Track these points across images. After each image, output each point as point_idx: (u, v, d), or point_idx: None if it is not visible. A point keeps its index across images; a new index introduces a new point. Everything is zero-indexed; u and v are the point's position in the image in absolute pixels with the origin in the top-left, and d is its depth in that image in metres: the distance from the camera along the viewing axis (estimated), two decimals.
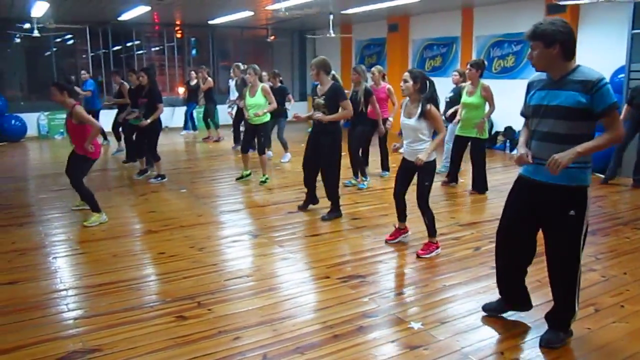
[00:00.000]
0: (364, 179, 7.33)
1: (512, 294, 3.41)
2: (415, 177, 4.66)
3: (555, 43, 2.82)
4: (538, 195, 3.03)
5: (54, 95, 5.42)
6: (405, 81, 4.48)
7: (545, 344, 3.12)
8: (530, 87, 3.13)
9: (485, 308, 3.53)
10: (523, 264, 3.27)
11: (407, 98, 4.62)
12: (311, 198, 6.13)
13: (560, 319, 3.16)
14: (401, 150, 4.79)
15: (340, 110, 5.64)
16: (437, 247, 4.71)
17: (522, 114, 3.24)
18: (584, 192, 2.96)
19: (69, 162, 5.70)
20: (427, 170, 4.56)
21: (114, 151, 10.30)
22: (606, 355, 3.01)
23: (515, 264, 3.29)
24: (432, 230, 4.70)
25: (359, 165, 7.37)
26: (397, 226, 5.02)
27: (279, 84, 9.46)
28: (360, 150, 7.54)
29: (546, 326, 3.21)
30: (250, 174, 7.82)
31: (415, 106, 4.52)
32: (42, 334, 3.27)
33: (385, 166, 8.09)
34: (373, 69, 7.82)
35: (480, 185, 6.98)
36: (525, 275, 3.32)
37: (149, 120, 7.42)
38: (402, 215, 4.94)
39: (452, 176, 7.41)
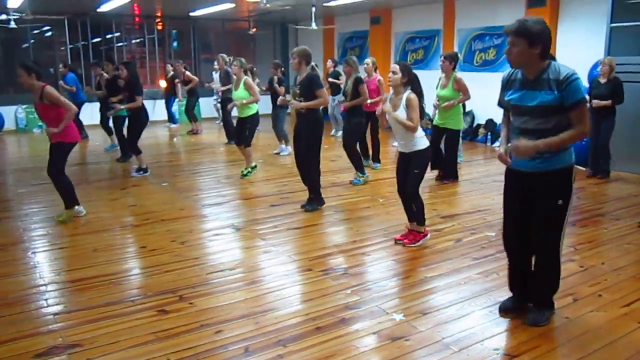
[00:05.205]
0: (360, 174, 7.06)
1: (526, 288, 3.37)
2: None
3: (539, 43, 2.84)
4: (525, 184, 3.11)
5: (21, 77, 5.15)
6: (394, 72, 4.47)
7: (532, 323, 3.22)
8: (506, 83, 3.15)
9: (501, 309, 3.42)
10: (530, 256, 3.29)
11: (391, 92, 4.63)
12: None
13: (543, 296, 3.27)
14: (394, 144, 4.76)
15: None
16: (425, 235, 4.72)
17: (500, 104, 3.27)
18: (567, 174, 3.02)
19: (50, 156, 5.40)
20: (417, 158, 4.55)
21: (107, 146, 9.91)
22: (584, 343, 3.05)
23: (526, 258, 3.30)
24: (421, 218, 4.69)
25: (357, 161, 7.09)
26: (409, 227, 4.81)
27: (280, 75, 9.31)
28: (358, 144, 7.41)
29: (523, 312, 3.33)
30: (256, 166, 7.73)
31: (400, 98, 4.52)
32: (21, 330, 3.23)
33: (376, 158, 7.98)
34: (367, 59, 7.89)
35: (451, 173, 7.10)
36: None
37: (125, 106, 7.49)
38: (412, 212, 4.76)
39: (445, 171, 7.14)
